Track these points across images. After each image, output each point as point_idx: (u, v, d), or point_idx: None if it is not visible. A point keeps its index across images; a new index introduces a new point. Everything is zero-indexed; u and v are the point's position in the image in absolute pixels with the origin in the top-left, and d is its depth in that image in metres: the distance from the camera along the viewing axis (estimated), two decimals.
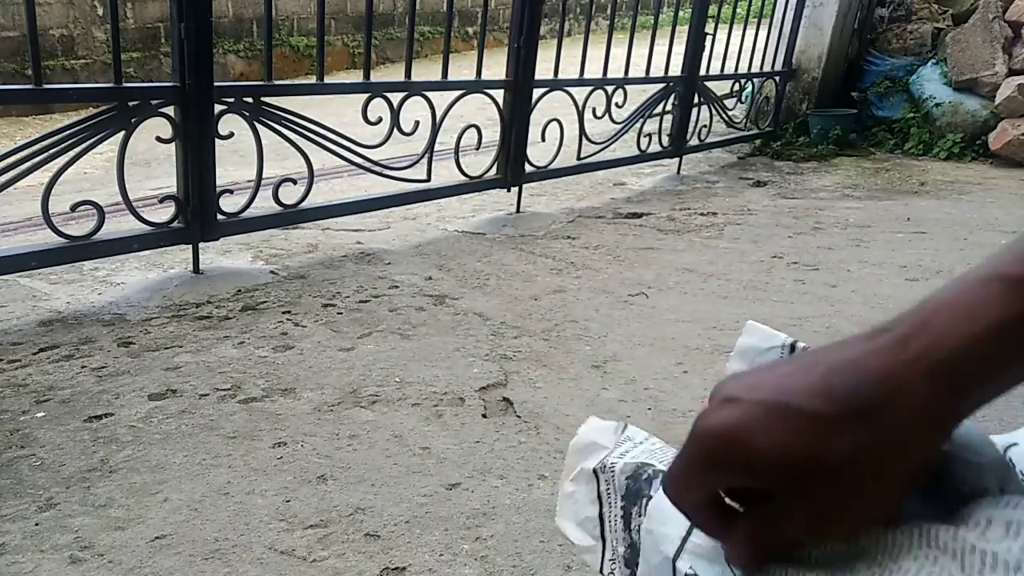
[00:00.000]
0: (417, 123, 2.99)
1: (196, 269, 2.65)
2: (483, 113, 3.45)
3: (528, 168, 3.66)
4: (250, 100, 2.61)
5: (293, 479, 1.60)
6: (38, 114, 6.42)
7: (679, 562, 0.42)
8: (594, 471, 0.50)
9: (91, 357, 2.05)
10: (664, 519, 0.43)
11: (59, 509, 1.47)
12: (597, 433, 0.51)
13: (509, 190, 3.67)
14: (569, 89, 3.73)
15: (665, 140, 4.51)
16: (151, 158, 4.52)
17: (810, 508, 0.34)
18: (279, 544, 1.42)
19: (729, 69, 4.98)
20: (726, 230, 3.61)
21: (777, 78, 5.51)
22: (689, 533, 0.42)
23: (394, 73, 3.62)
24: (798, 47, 5.57)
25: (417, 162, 3.17)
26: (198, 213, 2.54)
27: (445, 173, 3.43)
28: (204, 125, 2.47)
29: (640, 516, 0.45)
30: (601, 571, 0.48)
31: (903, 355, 0.34)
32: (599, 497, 0.49)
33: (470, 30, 10.36)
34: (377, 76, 3.23)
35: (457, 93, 3.28)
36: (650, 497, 0.45)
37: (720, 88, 4.97)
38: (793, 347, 0.45)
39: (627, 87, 4.00)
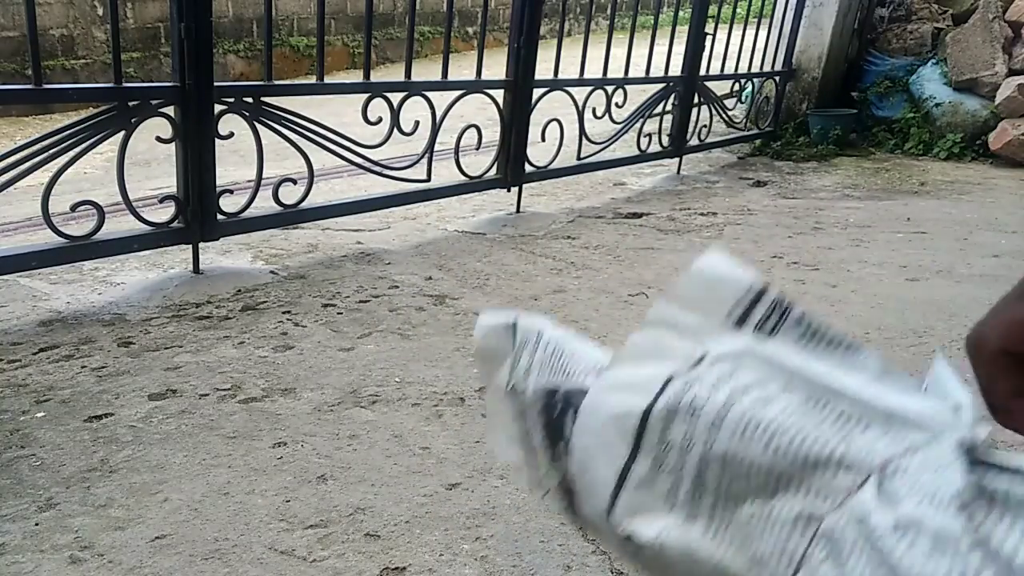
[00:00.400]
0: (417, 123, 2.99)
1: (196, 269, 2.65)
2: (483, 113, 3.45)
3: (528, 168, 3.66)
4: (250, 100, 2.61)
5: (293, 479, 1.60)
6: (38, 114, 6.42)
7: (613, 517, 0.39)
8: (508, 390, 0.47)
9: (91, 357, 2.05)
10: (590, 457, 0.40)
11: (59, 509, 1.47)
12: (494, 338, 0.48)
13: (509, 190, 3.67)
14: (569, 89, 3.73)
15: (665, 140, 4.51)
16: (151, 158, 4.52)
17: None
18: (279, 544, 1.42)
19: (729, 69, 4.98)
20: (726, 230, 3.61)
21: (777, 78, 5.51)
22: (623, 475, 0.39)
23: (394, 73, 3.62)
24: (798, 47, 5.57)
25: (417, 162, 3.17)
26: (198, 213, 2.54)
27: (445, 173, 3.43)
28: (204, 125, 2.47)
29: (565, 454, 0.42)
30: (533, 489, 0.46)
31: None
32: (520, 415, 0.46)
33: (470, 30, 10.36)
34: (377, 76, 3.23)
35: (457, 93, 3.28)
36: (568, 440, 0.42)
37: (720, 88, 4.97)
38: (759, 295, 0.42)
39: (627, 87, 4.00)
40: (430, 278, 2.78)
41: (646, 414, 0.38)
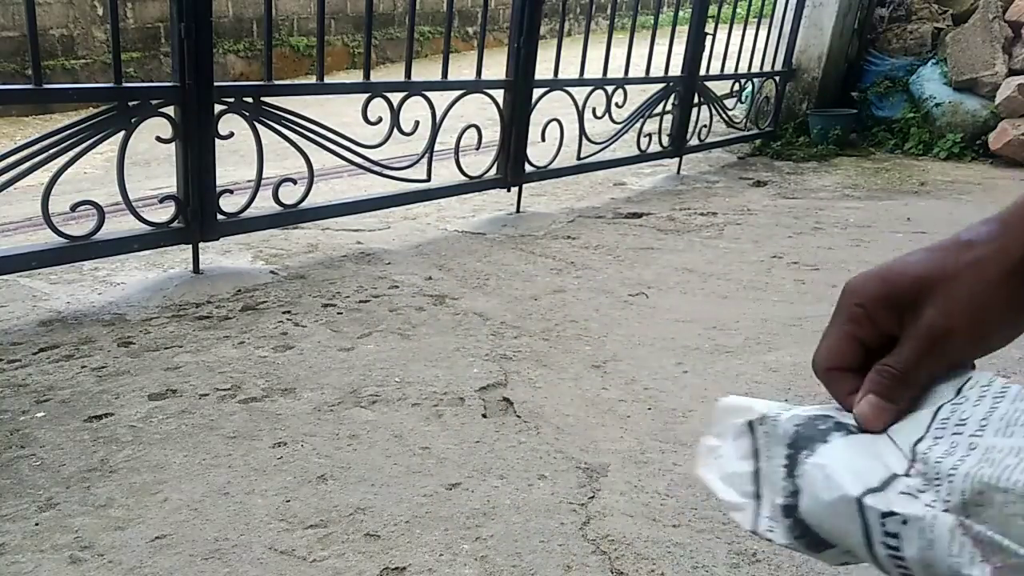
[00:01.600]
0: (417, 123, 2.99)
1: (196, 269, 2.65)
2: (483, 113, 3.45)
3: (528, 168, 3.66)
4: (250, 100, 2.61)
5: (293, 479, 1.60)
6: (38, 114, 6.42)
7: (869, 499, 0.40)
8: (749, 424, 0.48)
9: (91, 357, 2.05)
10: (848, 461, 0.42)
11: (59, 509, 1.47)
12: (754, 402, 0.50)
13: (509, 190, 3.67)
14: (569, 89, 3.73)
15: (665, 140, 4.51)
16: (151, 158, 4.52)
17: (916, 337, 0.41)
18: (279, 544, 1.42)
19: (729, 69, 4.98)
20: (726, 230, 3.61)
21: (777, 78, 5.51)
22: (890, 480, 0.40)
23: (394, 73, 3.62)
24: (798, 47, 5.57)
25: (417, 162, 3.17)
26: (198, 213, 2.54)
27: (445, 173, 3.43)
28: (204, 125, 2.47)
29: (809, 458, 0.44)
30: (755, 529, 0.47)
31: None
32: (755, 452, 0.48)
33: (470, 30, 10.36)
34: (377, 76, 3.23)
35: (457, 93, 3.28)
36: (827, 442, 0.44)
37: (720, 88, 4.97)
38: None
39: (627, 87, 4.00)
40: (430, 278, 2.78)
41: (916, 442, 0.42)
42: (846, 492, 0.41)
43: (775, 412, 0.47)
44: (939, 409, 0.42)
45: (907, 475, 0.40)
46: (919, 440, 0.41)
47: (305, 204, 2.85)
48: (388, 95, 2.96)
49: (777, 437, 0.47)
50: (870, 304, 0.43)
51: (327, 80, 3.03)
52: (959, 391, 0.42)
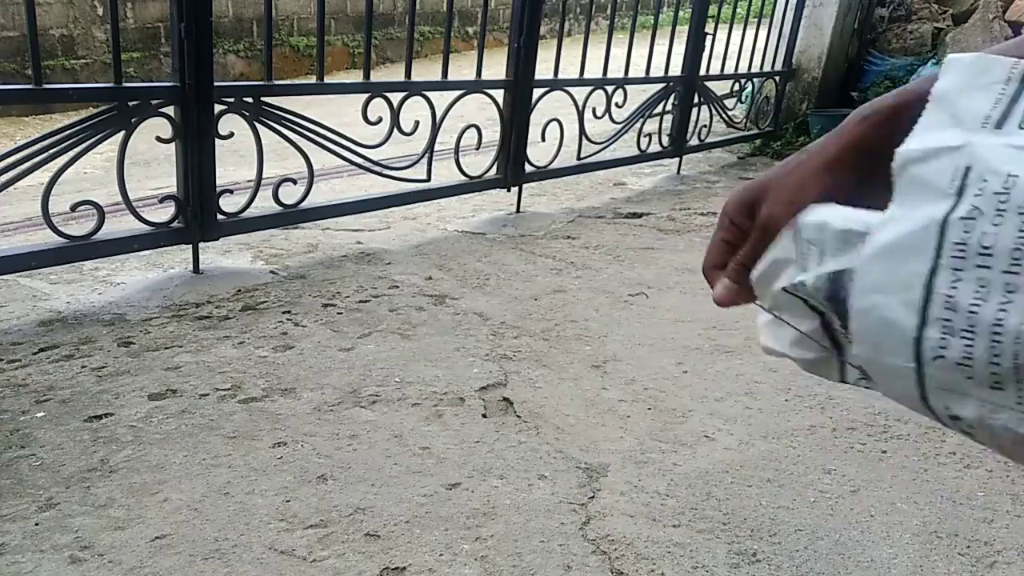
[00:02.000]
0: (417, 123, 2.99)
1: (196, 269, 2.65)
2: (483, 113, 3.45)
3: (528, 168, 3.66)
4: (250, 100, 2.61)
5: (293, 479, 1.60)
6: (38, 114, 6.42)
7: (930, 400, 0.36)
8: (785, 291, 0.46)
9: (91, 357, 2.05)
10: (879, 339, 0.37)
11: (59, 509, 1.47)
12: (778, 251, 0.48)
13: (509, 190, 3.67)
14: (569, 89, 3.73)
15: (665, 140, 4.51)
16: (151, 158, 4.52)
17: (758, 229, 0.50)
18: (279, 544, 1.42)
19: (729, 69, 4.98)
20: None
21: (777, 78, 5.50)
22: (918, 351, 0.36)
23: (394, 73, 3.62)
24: (798, 47, 5.57)
25: (417, 162, 3.17)
26: (198, 213, 2.54)
27: (445, 173, 3.43)
28: (204, 125, 2.47)
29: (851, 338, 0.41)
30: (843, 379, 0.46)
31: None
32: (813, 309, 0.45)
33: (470, 30, 10.36)
34: (377, 76, 3.23)
35: (457, 93, 3.28)
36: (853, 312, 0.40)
37: (720, 88, 4.97)
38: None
39: (627, 87, 4.00)
40: (430, 278, 2.78)
41: (931, 275, 0.36)
42: (913, 395, 0.38)
43: (800, 277, 0.45)
44: (944, 225, 0.35)
45: (924, 327, 0.35)
46: (933, 272, 0.36)
47: (305, 204, 2.85)
48: (388, 95, 2.96)
49: (819, 300, 0.44)
50: (731, 212, 0.52)
51: (327, 80, 3.02)
52: (960, 192, 0.35)
